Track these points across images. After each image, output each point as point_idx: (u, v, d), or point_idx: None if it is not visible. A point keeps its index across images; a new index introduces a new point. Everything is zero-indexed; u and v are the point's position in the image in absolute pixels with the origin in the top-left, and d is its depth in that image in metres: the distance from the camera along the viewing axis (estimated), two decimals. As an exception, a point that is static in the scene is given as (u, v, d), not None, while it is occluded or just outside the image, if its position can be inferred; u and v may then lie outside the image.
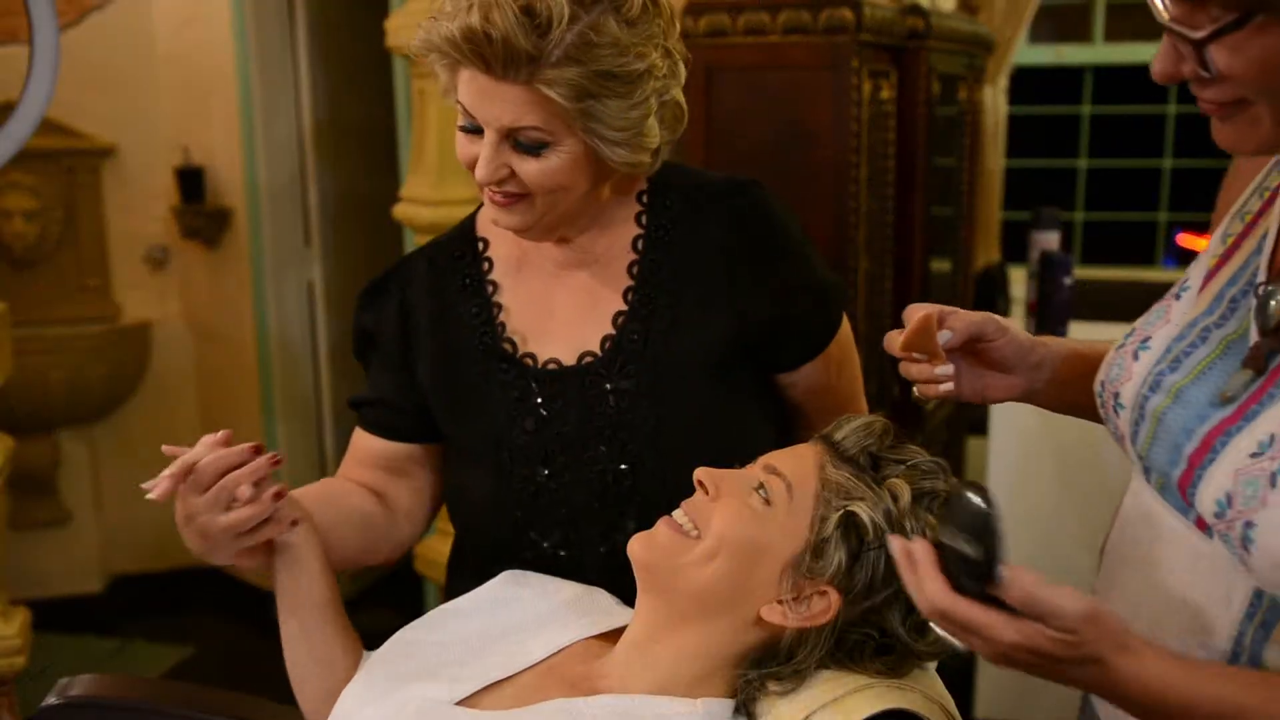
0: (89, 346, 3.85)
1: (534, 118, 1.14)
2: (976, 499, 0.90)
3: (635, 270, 1.30)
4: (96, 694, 1.33)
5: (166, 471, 1.08)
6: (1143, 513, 1.02)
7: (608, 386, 1.26)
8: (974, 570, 0.90)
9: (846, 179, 2.37)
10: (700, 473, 1.10)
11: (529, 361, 1.29)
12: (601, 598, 1.22)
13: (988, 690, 2.99)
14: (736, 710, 1.08)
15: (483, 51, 1.10)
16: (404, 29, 2.67)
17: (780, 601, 1.04)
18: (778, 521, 1.05)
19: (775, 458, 1.10)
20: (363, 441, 1.39)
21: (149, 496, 1.08)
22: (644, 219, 1.31)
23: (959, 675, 3.00)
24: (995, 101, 4.30)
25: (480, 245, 1.35)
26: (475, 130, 1.18)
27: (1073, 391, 1.19)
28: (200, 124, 3.87)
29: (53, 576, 3.82)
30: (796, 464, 1.08)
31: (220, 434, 1.12)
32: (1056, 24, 5.07)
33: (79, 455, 3.98)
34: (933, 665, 1.13)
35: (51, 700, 1.32)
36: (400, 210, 2.82)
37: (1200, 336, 1.00)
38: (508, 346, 1.30)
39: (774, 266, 1.30)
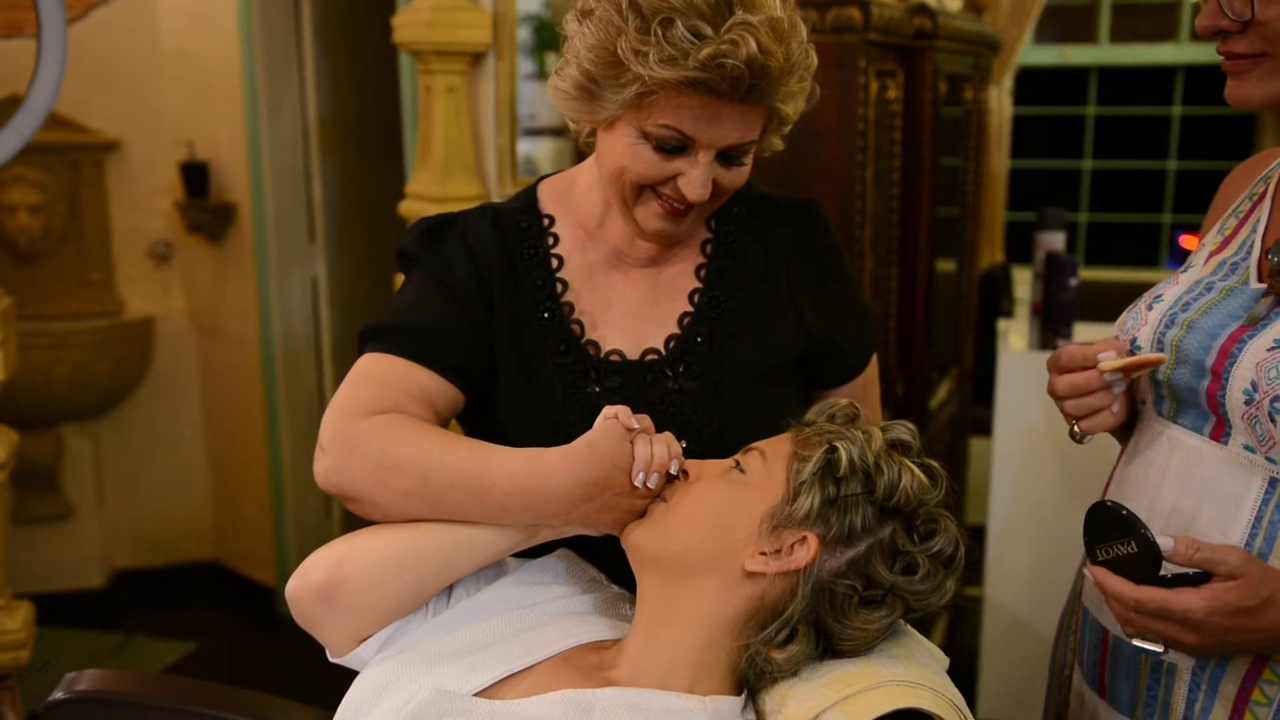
0: (92, 341, 3.85)
1: (756, 131, 1.18)
2: (1106, 505, 1.05)
3: (703, 273, 1.31)
4: (104, 689, 1.33)
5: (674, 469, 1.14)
6: (1153, 440, 1.21)
7: (671, 386, 1.26)
8: (1139, 561, 1.02)
9: (852, 178, 2.37)
10: (685, 463, 1.15)
11: (592, 350, 1.27)
12: (626, 607, 1.23)
13: (989, 690, 2.99)
14: (745, 707, 1.08)
15: (757, 81, 1.11)
16: (410, 25, 2.67)
17: (762, 553, 1.08)
18: (751, 484, 1.11)
19: (753, 444, 1.16)
20: (414, 377, 1.22)
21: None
22: (713, 224, 1.33)
23: (961, 677, 3.00)
24: (1000, 102, 4.30)
25: (545, 221, 1.33)
26: (676, 150, 1.17)
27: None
28: (205, 119, 3.87)
29: (55, 571, 3.83)
30: (770, 441, 1.15)
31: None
32: (1062, 25, 5.06)
33: (82, 450, 3.98)
34: (943, 666, 1.14)
35: (58, 695, 1.32)
36: (405, 207, 2.82)
37: (1205, 289, 1.20)
38: (575, 328, 1.28)
39: (829, 284, 1.33)
